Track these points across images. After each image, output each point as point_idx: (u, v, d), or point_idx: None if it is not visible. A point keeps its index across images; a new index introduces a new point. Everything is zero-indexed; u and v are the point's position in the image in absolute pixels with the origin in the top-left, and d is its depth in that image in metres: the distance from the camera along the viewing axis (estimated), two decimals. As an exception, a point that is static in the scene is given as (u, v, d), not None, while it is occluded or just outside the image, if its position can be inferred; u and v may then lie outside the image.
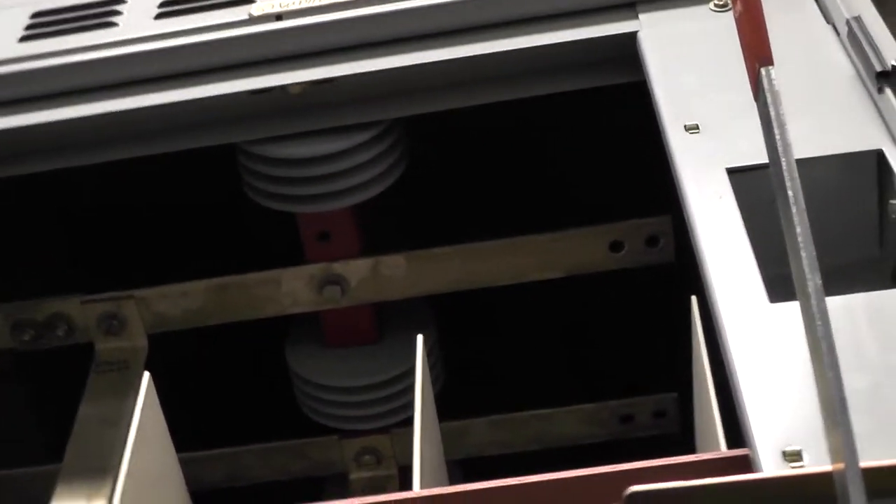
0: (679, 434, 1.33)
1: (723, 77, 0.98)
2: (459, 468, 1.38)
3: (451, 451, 1.29)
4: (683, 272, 0.90)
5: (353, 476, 1.36)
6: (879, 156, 0.88)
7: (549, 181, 1.31)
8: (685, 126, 0.95)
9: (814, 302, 0.56)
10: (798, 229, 0.58)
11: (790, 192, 0.58)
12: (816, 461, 0.66)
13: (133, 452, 0.91)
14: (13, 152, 1.11)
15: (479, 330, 1.39)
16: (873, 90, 0.93)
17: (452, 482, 1.23)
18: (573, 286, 1.26)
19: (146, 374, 0.97)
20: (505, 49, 1.08)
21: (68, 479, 1.12)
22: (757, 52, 0.62)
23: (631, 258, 1.23)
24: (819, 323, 0.56)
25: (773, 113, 0.61)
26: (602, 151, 1.28)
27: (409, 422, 1.29)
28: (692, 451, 1.01)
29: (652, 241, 1.22)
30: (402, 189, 1.21)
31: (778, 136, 0.60)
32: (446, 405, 1.24)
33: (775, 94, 0.61)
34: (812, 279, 0.57)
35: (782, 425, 0.70)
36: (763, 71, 0.62)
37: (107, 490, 1.11)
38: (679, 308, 0.95)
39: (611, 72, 1.09)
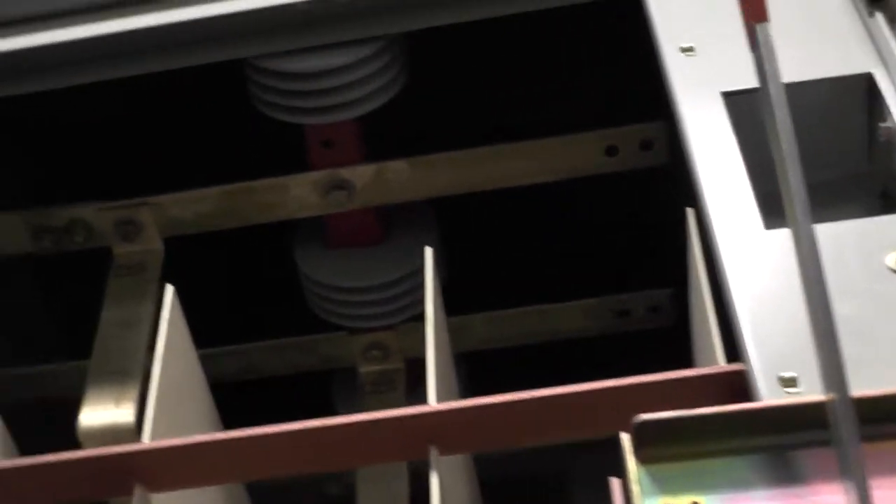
0: (672, 328, 1.39)
1: (720, -2, 1.01)
2: (463, 361, 1.44)
3: (454, 346, 1.35)
4: (676, 174, 0.94)
5: (363, 370, 1.42)
6: (869, 79, 0.93)
7: (547, 91, 1.35)
8: (681, 48, 0.99)
9: (805, 247, 0.61)
10: (791, 181, 0.62)
11: (784, 146, 0.63)
12: (810, 387, 0.71)
13: (163, 364, 0.97)
14: (40, 68, 1.15)
15: (480, 230, 1.43)
16: (865, 14, 0.96)
17: (458, 377, 1.29)
18: (571, 188, 1.31)
19: (170, 287, 1.02)
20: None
21: (96, 383, 1.18)
22: (753, 9, 0.66)
23: (625, 162, 1.28)
24: (811, 266, 0.61)
25: (767, 69, 0.65)
26: (599, 61, 1.31)
27: (415, 318, 1.36)
28: (684, 345, 1.07)
29: (646, 145, 1.27)
30: (406, 96, 1.25)
31: (772, 93, 0.64)
32: (448, 302, 1.29)
33: (770, 51, 0.65)
34: (804, 225, 0.62)
35: (778, 351, 0.75)
36: (759, 27, 0.66)
37: (133, 392, 1.17)
38: (672, 207, 1.00)
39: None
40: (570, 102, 1.32)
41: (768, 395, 0.72)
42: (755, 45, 0.67)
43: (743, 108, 0.92)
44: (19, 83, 1.15)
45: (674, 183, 1.12)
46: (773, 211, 0.83)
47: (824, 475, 0.64)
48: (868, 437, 0.62)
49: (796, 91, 0.93)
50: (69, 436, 1.16)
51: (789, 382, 0.73)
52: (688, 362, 1.03)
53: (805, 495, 0.64)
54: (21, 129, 1.38)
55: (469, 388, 1.45)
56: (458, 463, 1.07)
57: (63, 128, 1.39)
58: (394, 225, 1.38)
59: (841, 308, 0.76)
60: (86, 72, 1.16)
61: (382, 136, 1.30)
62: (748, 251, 0.82)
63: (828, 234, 0.81)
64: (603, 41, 1.28)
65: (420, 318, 1.33)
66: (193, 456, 0.87)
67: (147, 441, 0.90)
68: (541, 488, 1.54)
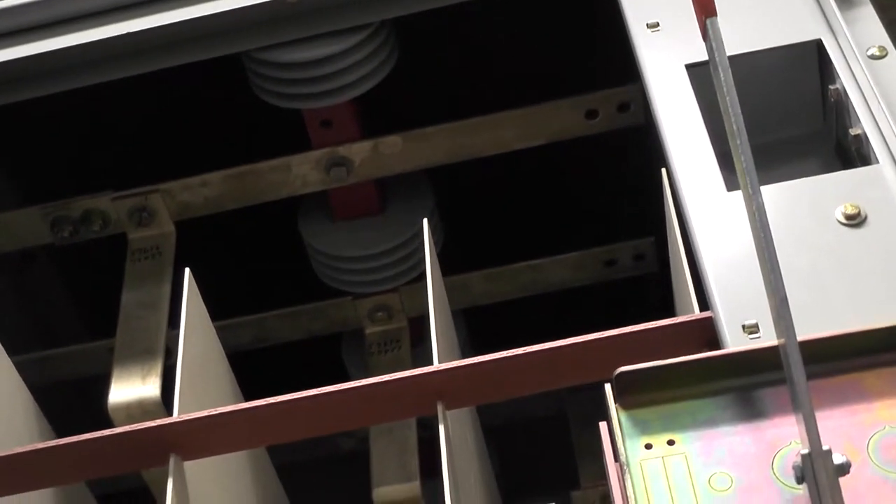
0: (658, 273, 1.47)
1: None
2: (462, 317, 1.53)
3: (453, 303, 1.43)
4: (653, 133, 1.02)
5: (369, 331, 1.51)
6: (819, 45, 1.01)
7: (525, 62, 1.42)
8: (647, 24, 1.07)
9: (757, 218, 0.70)
10: (742, 158, 0.71)
11: (735, 127, 0.71)
12: (770, 333, 0.80)
13: (185, 341, 1.05)
14: (51, 71, 1.22)
15: (474, 194, 1.51)
16: (812, -16, 1.05)
17: (458, 332, 1.38)
18: (554, 151, 1.39)
19: (187, 270, 1.09)
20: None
21: (122, 362, 1.26)
22: (704, 5, 0.74)
23: (605, 123, 1.36)
24: (762, 235, 0.69)
25: (717, 58, 0.73)
26: (573, 34, 1.39)
27: (416, 280, 1.44)
28: (668, 291, 1.16)
29: (623, 107, 1.35)
30: (397, 75, 1.33)
31: (723, 78, 0.73)
32: (447, 262, 1.38)
33: (719, 42, 0.74)
34: (756, 199, 0.70)
35: (741, 300, 0.84)
36: (708, 22, 0.74)
37: (157, 369, 1.25)
38: (650, 161, 1.07)
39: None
40: (552, 72, 1.40)
41: (733, 342, 0.81)
42: (706, 37, 0.75)
43: (704, 78, 0.99)
44: (35, 86, 1.23)
45: (651, 141, 1.20)
46: (733, 170, 0.92)
47: (781, 410, 0.73)
48: (815, 375, 0.70)
49: (755, 59, 1.02)
50: (97, 412, 1.24)
51: (752, 329, 0.81)
52: (673, 306, 1.12)
53: (766, 428, 0.73)
54: (34, 129, 1.46)
55: (470, 341, 1.54)
56: (463, 413, 1.15)
57: (76, 125, 1.47)
58: (392, 195, 1.46)
59: (796, 260, 0.85)
60: (94, 73, 1.23)
61: (378, 113, 1.38)
62: (713, 211, 0.91)
63: (784, 192, 0.90)
64: (577, 17, 1.36)
65: (420, 278, 1.42)
66: (222, 425, 0.95)
67: (177, 414, 0.99)
68: (541, 428, 1.63)
